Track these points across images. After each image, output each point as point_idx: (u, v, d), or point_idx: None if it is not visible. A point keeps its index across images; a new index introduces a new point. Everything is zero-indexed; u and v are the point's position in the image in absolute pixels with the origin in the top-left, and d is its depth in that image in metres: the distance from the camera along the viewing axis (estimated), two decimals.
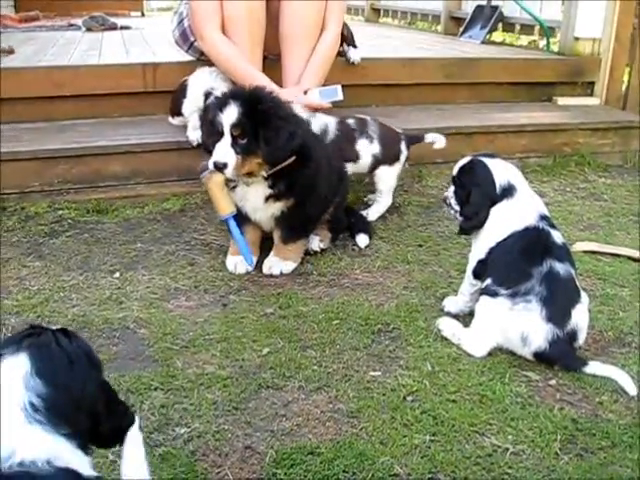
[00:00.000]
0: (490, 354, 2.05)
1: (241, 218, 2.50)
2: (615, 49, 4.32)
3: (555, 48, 4.77)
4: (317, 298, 2.38)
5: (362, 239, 2.80)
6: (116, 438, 1.21)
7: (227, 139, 2.30)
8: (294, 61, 3.21)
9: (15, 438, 1.01)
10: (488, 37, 5.37)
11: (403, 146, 3.02)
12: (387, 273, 2.58)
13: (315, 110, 3.03)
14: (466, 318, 2.18)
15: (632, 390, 1.87)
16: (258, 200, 2.46)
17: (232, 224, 2.45)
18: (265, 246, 2.63)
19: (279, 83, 3.13)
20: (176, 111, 3.31)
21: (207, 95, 3.07)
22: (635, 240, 2.90)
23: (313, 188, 2.51)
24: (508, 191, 2.09)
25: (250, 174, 2.37)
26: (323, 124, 2.87)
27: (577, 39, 4.43)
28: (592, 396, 1.88)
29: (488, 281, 2.06)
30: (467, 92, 4.21)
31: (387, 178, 3.02)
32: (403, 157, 3.03)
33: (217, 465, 1.61)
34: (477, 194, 2.11)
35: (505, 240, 2.05)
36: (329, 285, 2.48)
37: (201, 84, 3.16)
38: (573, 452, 1.67)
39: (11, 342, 1.11)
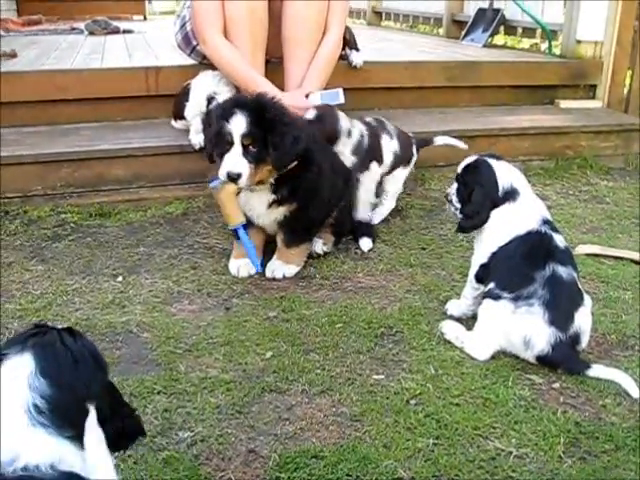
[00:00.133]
0: (493, 357, 2.05)
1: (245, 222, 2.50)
2: (617, 52, 4.32)
3: (557, 51, 4.78)
4: (320, 301, 2.38)
5: (365, 242, 2.80)
6: (120, 440, 1.20)
7: (238, 149, 2.30)
8: (296, 64, 3.21)
9: (19, 442, 1.01)
10: (490, 40, 5.37)
11: (414, 149, 3.03)
12: (390, 276, 2.58)
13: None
14: (469, 321, 2.18)
15: (635, 393, 1.87)
16: (261, 206, 2.47)
17: (242, 234, 2.44)
18: (268, 249, 2.63)
19: (281, 86, 3.13)
20: (179, 115, 3.31)
21: (210, 99, 3.08)
22: (637, 243, 2.90)
23: (316, 192, 2.52)
24: (511, 194, 2.09)
25: (260, 182, 2.38)
26: (360, 131, 2.85)
27: (579, 42, 4.43)
28: (595, 399, 1.87)
29: (491, 285, 2.06)
30: (469, 95, 4.21)
31: (398, 180, 3.03)
32: (413, 160, 3.04)
33: (220, 469, 1.61)
34: (479, 193, 2.11)
35: (508, 244, 2.05)
36: (332, 288, 2.48)
37: (204, 88, 3.17)
38: (576, 455, 1.67)
39: (16, 341, 1.11)
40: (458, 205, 2.19)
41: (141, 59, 4.07)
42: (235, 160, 2.30)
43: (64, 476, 1.01)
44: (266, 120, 2.31)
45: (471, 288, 2.20)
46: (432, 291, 2.46)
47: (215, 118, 2.36)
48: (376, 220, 3.01)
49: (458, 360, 2.04)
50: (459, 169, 2.21)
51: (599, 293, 2.45)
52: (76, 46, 4.72)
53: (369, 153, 2.85)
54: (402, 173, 3.03)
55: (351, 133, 2.80)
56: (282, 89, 3.11)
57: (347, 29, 3.57)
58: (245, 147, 2.30)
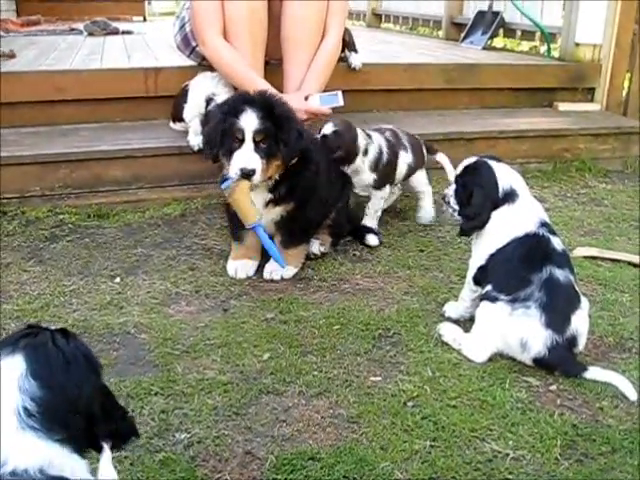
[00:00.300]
0: (491, 359, 2.05)
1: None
2: (615, 55, 4.33)
3: (556, 54, 4.78)
4: (318, 303, 2.38)
5: (372, 238, 2.82)
6: (113, 442, 1.19)
7: (249, 145, 2.32)
8: (295, 66, 3.22)
9: (7, 445, 1.00)
10: (489, 43, 5.38)
11: (424, 150, 3.04)
12: (388, 278, 2.58)
13: (315, 116, 3.04)
14: (467, 323, 2.18)
15: (632, 395, 1.87)
16: (258, 205, 2.46)
17: (260, 231, 2.42)
18: (266, 251, 2.62)
19: (280, 88, 3.12)
20: (177, 116, 3.31)
21: (208, 100, 3.08)
22: (635, 246, 2.90)
23: (313, 191, 2.52)
24: (510, 196, 2.09)
25: (269, 178, 2.40)
26: (378, 146, 2.80)
27: (578, 45, 4.44)
28: (592, 402, 1.87)
29: (488, 287, 2.06)
30: (468, 97, 4.22)
31: (423, 178, 3.05)
32: (425, 160, 3.06)
33: (217, 470, 1.61)
34: (479, 195, 2.10)
35: (505, 246, 2.05)
36: (330, 290, 2.48)
37: (202, 89, 3.17)
38: (573, 458, 1.67)
39: (7, 342, 1.09)
40: (456, 207, 2.19)
41: (140, 60, 4.07)
42: (248, 156, 2.31)
43: None
44: (275, 116, 2.34)
45: (469, 290, 2.20)
46: (430, 293, 2.46)
47: (222, 115, 2.37)
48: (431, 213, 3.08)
49: (455, 362, 2.04)
50: (458, 170, 2.21)
51: (597, 295, 2.45)
52: (75, 47, 4.72)
53: (386, 173, 2.82)
54: (422, 173, 3.05)
55: (367, 151, 2.75)
56: (281, 91, 3.10)
57: (346, 31, 3.57)
58: (256, 143, 2.32)
